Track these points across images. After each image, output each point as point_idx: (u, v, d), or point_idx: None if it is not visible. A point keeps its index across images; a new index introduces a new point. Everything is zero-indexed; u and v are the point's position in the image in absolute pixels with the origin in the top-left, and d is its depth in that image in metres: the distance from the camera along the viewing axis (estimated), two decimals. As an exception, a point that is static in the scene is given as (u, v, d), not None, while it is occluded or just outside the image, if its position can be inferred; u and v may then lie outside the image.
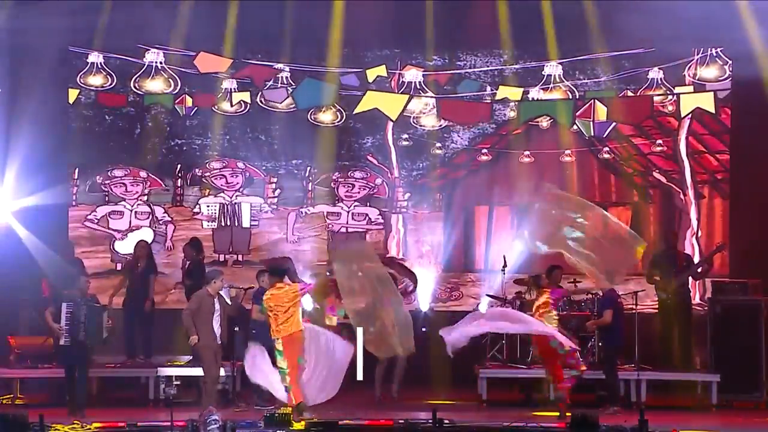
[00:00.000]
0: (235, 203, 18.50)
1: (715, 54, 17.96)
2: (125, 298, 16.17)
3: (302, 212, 18.51)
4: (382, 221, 18.55)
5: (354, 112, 17.80)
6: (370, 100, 17.54)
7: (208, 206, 18.51)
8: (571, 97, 18.11)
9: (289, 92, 17.97)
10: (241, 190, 18.55)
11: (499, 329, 14.55)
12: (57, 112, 17.78)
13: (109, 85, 18.08)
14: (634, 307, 16.39)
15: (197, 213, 18.47)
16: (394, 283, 14.39)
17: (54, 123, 17.67)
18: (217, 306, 13.68)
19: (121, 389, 15.69)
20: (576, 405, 14.69)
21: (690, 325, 15.96)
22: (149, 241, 17.25)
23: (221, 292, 13.92)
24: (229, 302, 14.19)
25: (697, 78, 18.03)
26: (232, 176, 18.57)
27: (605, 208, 18.31)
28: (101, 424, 12.82)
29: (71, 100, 18.03)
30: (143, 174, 18.44)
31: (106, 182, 18.42)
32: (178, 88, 18.02)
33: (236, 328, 14.83)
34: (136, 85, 18.02)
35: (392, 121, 18.04)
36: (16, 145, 17.11)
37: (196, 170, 18.53)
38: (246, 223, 18.47)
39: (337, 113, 18.37)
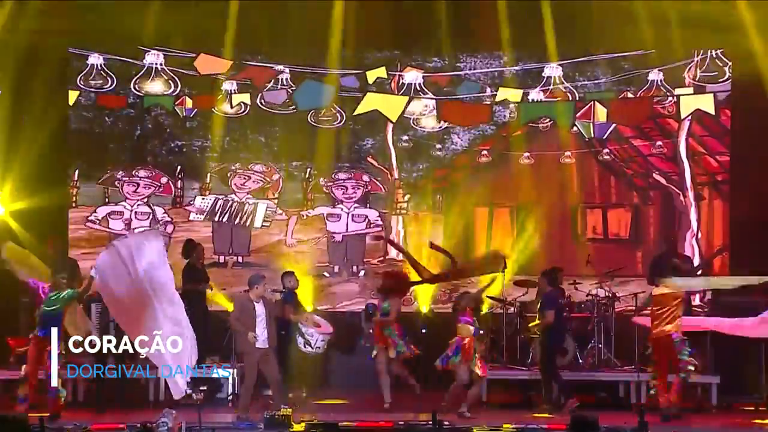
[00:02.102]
0: (251, 203, 18.45)
1: (714, 56, 17.96)
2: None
3: (303, 215, 18.51)
4: (380, 222, 18.55)
5: (354, 114, 17.80)
6: (370, 102, 17.54)
7: (203, 199, 18.48)
8: (571, 98, 18.10)
9: (289, 94, 17.98)
10: (251, 192, 18.52)
11: None
12: (57, 113, 17.80)
13: (109, 86, 18.08)
14: (634, 308, 16.43)
15: (190, 204, 18.44)
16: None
17: (54, 124, 17.70)
18: (260, 311, 13.67)
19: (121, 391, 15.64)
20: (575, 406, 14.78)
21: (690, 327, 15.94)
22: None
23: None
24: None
25: (696, 80, 18.04)
26: (254, 182, 18.55)
27: (605, 209, 18.45)
28: (101, 425, 12.81)
29: (71, 101, 18.03)
30: (164, 180, 18.44)
31: (125, 179, 18.40)
32: (178, 89, 18.01)
33: (282, 332, 14.85)
34: (137, 86, 18.02)
35: (392, 122, 18.05)
36: (16, 146, 17.15)
37: (233, 167, 18.47)
38: (258, 224, 18.45)
39: (336, 115, 18.36)
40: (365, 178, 18.57)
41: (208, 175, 18.48)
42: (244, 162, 18.53)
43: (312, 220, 18.49)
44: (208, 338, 15.62)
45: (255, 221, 18.46)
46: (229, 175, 18.54)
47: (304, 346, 15.03)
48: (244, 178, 18.56)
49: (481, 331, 14.60)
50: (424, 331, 17.42)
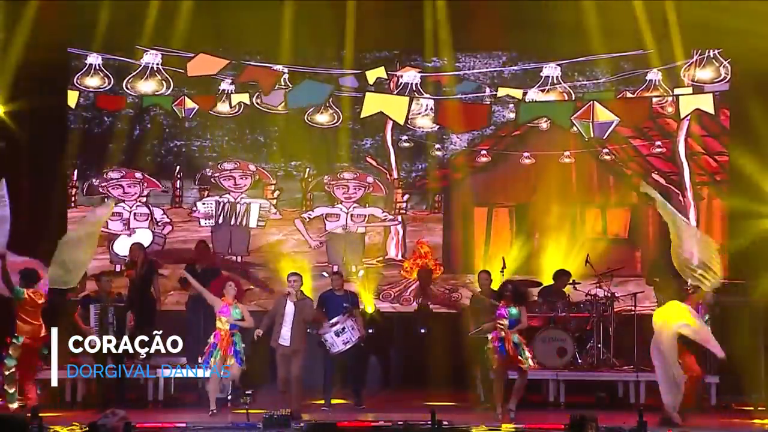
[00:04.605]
0: (243, 203, 18.46)
1: (713, 55, 17.96)
2: (126, 300, 16.14)
3: (305, 218, 18.50)
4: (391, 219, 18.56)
5: (361, 117, 17.71)
6: (374, 103, 17.47)
7: (204, 204, 18.49)
8: (567, 98, 18.07)
9: (286, 94, 17.95)
10: (245, 192, 18.52)
11: None
12: (56, 113, 17.80)
13: (106, 87, 18.06)
14: (633, 308, 16.42)
15: (194, 211, 18.45)
16: None
17: (53, 124, 17.70)
18: (288, 310, 13.74)
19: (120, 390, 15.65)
20: (575, 406, 14.78)
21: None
22: (145, 243, 17.25)
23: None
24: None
25: (695, 79, 18.03)
26: (242, 178, 18.56)
27: (604, 209, 18.45)
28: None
29: (70, 101, 18.01)
30: (138, 175, 18.43)
31: (103, 184, 18.41)
32: (171, 89, 17.96)
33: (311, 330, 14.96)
34: (128, 85, 17.99)
35: (400, 124, 17.97)
36: (16, 146, 17.16)
37: (207, 170, 18.50)
38: (253, 224, 18.45)
39: (334, 115, 18.35)
40: (369, 179, 18.57)
41: (206, 174, 18.51)
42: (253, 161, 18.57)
43: (312, 220, 18.50)
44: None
45: (249, 221, 18.46)
46: (222, 174, 18.57)
47: (332, 348, 15.08)
48: (243, 178, 18.57)
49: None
50: (423, 331, 17.41)
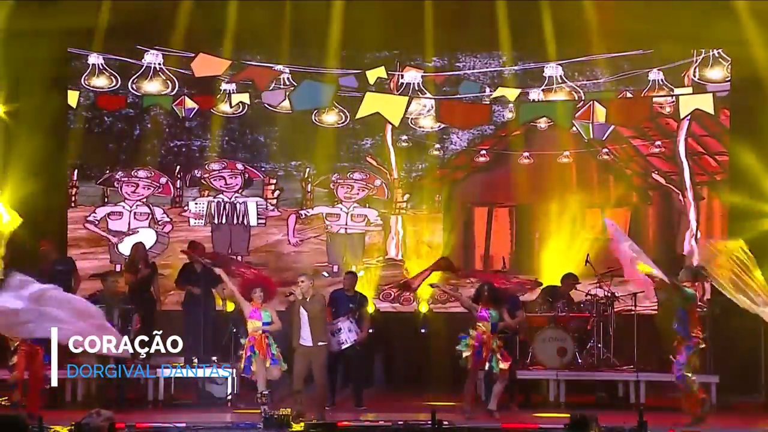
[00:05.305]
0: (240, 202, 18.47)
1: (714, 55, 17.96)
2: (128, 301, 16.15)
3: (302, 214, 18.52)
4: (380, 222, 18.56)
5: (356, 117, 17.73)
6: (371, 104, 17.48)
7: (196, 203, 18.49)
8: (572, 98, 18.08)
9: (287, 94, 17.97)
10: (240, 191, 18.54)
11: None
12: (56, 113, 17.80)
13: (109, 86, 18.09)
14: (633, 308, 16.44)
15: (185, 210, 18.47)
16: None
17: (53, 124, 17.70)
18: (302, 311, 13.80)
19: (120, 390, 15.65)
20: (575, 406, 14.78)
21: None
22: (146, 243, 17.26)
23: None
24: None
25: (700, 79, 18.02)
26: (231, 177, 18.58)
27: (604, 209, 18.46)
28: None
29: (71, 101, 18.02)
30: (163, 180, 18.46)
31: (124, 179, 18.41)
32: (176, 89, 17.99)
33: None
34: (134, 86, 18.02)
35: (394, 126, 17.99)
36: (16, 146, 17.15)
37: (196, 171, 18.54)
38: (253, 222, 18.46)
39: (341, 114, 18.35)
40: (377, 182, 18.58)
41: (195, 175, 18.54)
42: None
43: (311, 219, 18.51)
44: (207, 338, 15.66)
45: (249, 220, 18.47)
46: (211, 174, 18.58)
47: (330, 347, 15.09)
48: (233, 177, 18.59)
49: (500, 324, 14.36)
50: (423, 331, 17.42)
